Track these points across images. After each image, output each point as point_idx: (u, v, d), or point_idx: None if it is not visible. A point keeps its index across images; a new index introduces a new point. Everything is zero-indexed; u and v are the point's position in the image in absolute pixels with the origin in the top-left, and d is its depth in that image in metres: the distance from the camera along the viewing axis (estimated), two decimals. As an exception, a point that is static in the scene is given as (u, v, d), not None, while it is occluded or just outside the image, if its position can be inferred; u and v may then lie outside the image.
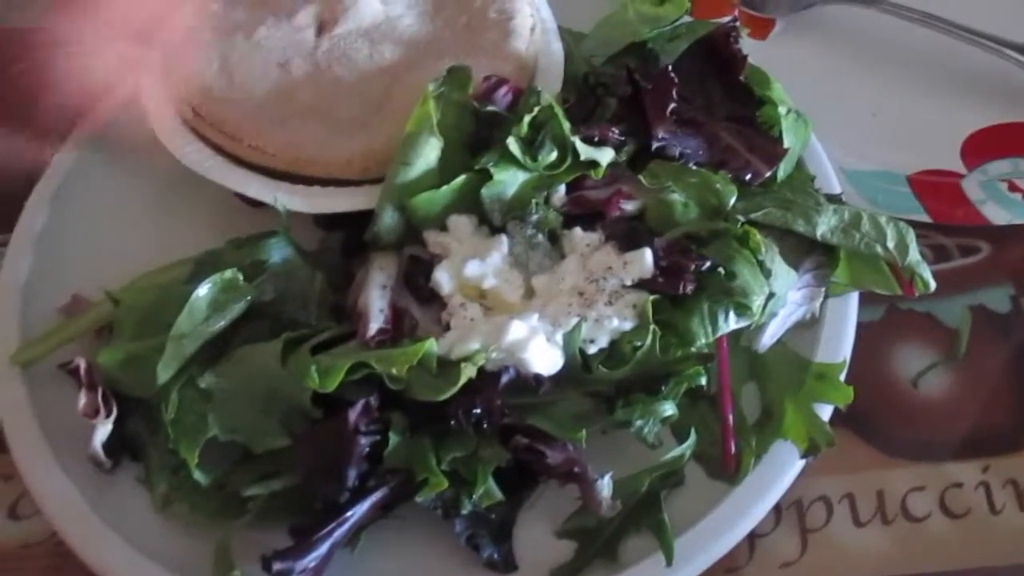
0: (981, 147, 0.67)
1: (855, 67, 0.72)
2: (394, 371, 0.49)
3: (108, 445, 0.53)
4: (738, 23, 0.62)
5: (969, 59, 0.70)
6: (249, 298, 0.54)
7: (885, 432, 0.56)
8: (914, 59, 0.71)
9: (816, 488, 0.55)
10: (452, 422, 0.50)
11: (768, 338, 0.56)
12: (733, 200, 0.56)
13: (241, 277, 0.55)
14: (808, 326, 0.57)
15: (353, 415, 0.49)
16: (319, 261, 0.60)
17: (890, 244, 0.55)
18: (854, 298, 0.58)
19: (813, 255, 0.57)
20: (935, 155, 0.67)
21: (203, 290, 0.53)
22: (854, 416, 0.55)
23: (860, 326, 0.57)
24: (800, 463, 0.53)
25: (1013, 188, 0.64)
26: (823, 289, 0.58)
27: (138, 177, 0.67)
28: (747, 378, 0.56)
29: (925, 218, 0.63)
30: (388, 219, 0.57)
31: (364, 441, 0.49)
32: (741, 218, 0.55)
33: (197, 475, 0.50)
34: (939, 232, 0.64)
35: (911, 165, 0.67)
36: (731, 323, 0.52)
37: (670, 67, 0.59)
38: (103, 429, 0.52)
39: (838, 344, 0.56)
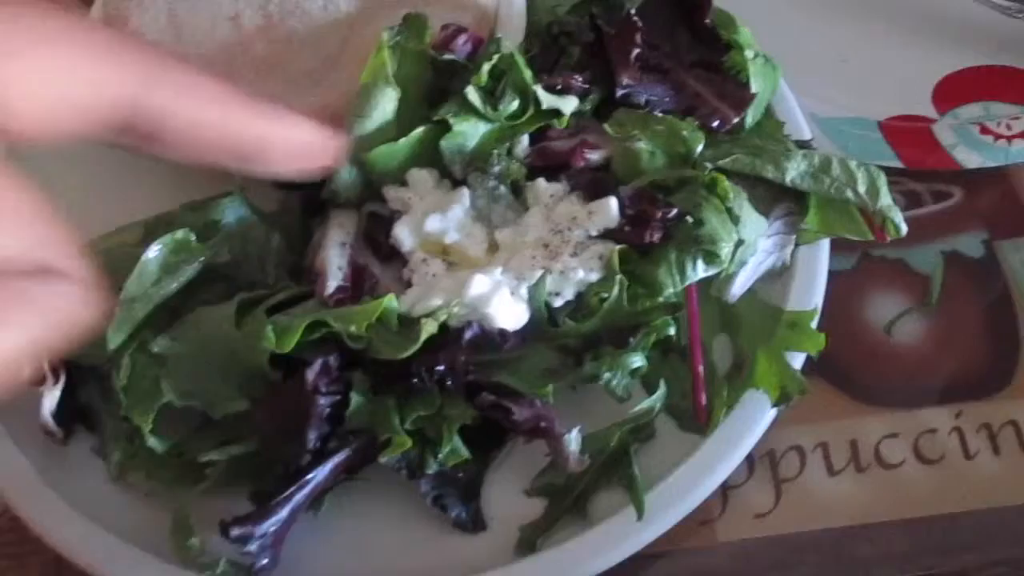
0: (952, 91, 0.66)
1: (824, 10, 0.71)
2: (353, 329, 0.48)
3: (59, 414, 0.51)
4: (703, -34, 0.60)
5: (940, 1, 0.68)
6: (202, 259, 0.52)
7: (858, 380, 0.56)
8: (884, 2, 0.70)
9: (788, 438, 0.54)
10: (415, 380, 0.49)
11: (738, 288, 0.55)
12: (700, 148, 0.55)
13: (194, 238, 0.53)
14: (779, 275, 0.56)
15: (311, 375, 0.47)
16: (277, 222, 0.58)
17: (861, 189, 0.54)
18: (825, 245, 0.56)
19: (783, 202, 0.56)
20: (906, 100, 0.66)
21: (153, 251, 0.51)
22: (827, 365, 0.55)
23: (832, 275, 0.56)
24: (772, 413, 0.52)
25: (984, 131, 0.63)
26: (793, 237, 0.56)
27: (86, 142, 0.64)
28: (718, 329, 0.55)
29: (897, 164, 0.62)
30: (345, 175, 0.55)
31: (324, 401, 0.47)
32: (709, 165, 0.54)
33: (152, 442, 0.49)
34: (911, 178, 0.63)
35: (882, 111, 0.65)
36: (699, 271, 0.50)
37: (634, 12, 0.58)
38: (52, 397, 0.50)
39: (809, 292, 0.55)
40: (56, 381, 0.49)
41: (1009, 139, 0.62)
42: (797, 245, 0.56)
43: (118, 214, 0.58)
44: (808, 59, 0.65)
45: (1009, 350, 0.57)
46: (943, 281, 0.59)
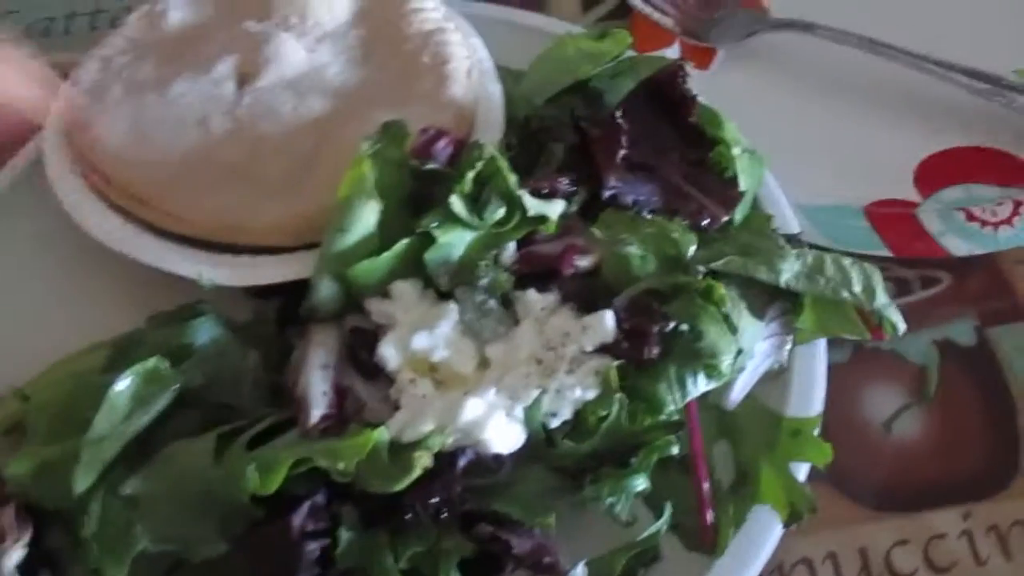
0: (934, 173, 0.66)
1: (801, 97, 0.70)
2: (341, 466, 0.45)
3: (24, 566, 0.47)
4: (684, 60, 0.59)
5: (915, 84, 0.68)
6: (176, 388, 0.49)
7: (861, 482, 0.54)
8: (860, 86, 0.70)
9: (797, 550, 0.52)
10: (408, 514, 0.46)
11: (737, 394, 0.53)
12: (693, 249, 0.53)
13: (166, 364, 0.49)
14: (776, 376, 0.55)
15: (298, 520, 0.44)
16: (252, 335, 0.55)
17: (856, 288, 0.53)
18: (822, 345, 0.55)
19: (777, 302, 0.55)
20: (888, 184, 0.66)
21: (122, 384, 0.48)
22: (829, 467, 0.53)
23: (828, 369, 0.55)
24: (779, 529, 0.50)
25: (971, 218, 0.62)
26: (790, 337, 0.55)
27: (44, 250, 0.61)
28: (717, 436, 0.53)
29: (885, 252, 0.61)
30: (325, 290, 0.52)
31: (312, 546, 0.44)
32: (702, 268, 0.52)
33: (127, 598, 0.45)
34: (899, 264, 0.62)
35: (865, 196, 0.65)
36: (700, 386, 0.48)
37: (618, 112, 0.56)
38: (17, 553, 0.46)
39: (809, 395, 0.53)
40: (19, 537, 0.46)
41: (996, 225, 0.62)
42: (793, 345, 0.55)
43: (80, 328, 0.55)
44: (786, 145, 0.64)
45: (1010, 444, 0.56)
46: (939, 372, 0.58)
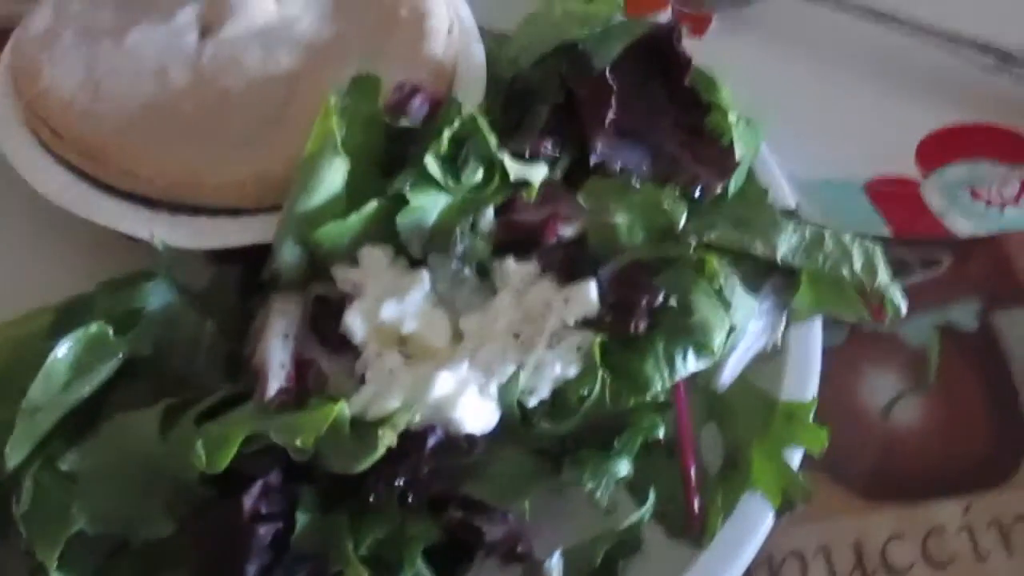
0: (936, 150, 0.63)
1: (800, 67, 0.67)
2: (298, 442, 0.41)
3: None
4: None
5: (919, 57, 0.65)
6: (121, 356, 0.46)
7: (858, 472, 0.51)
8: (862, 58, 0.67)
9: (787, 542, 0.49)
10: (371, 497, 0.42)
11: (728, 375, 0.50)
12: (684, 220, 0.50)
13: (111, 330, 0.46)
14: (770, 357, 0.51)
15: (249, 501, 0.40)
16: (209, 303, 0.51)
17: (856, 266, 0.49)
18: (817, 324, 0.52)
19: (772, 279, 0.51)
20: (889, 160, 0.62)
21: (62, 350, 0.44)
22: (824, 455, 0.50)
23: (822, 352, 0.51)
24: (770, 518, 0.46)
25: (976, 196, 0.59)
26: (784, 316, 0.52)
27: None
28: (705, 420, 0.49)
29: (885, 232, 0.58)
30: (288, 255, 0.49)
31: (264, 529, 0.41)
32: (693, 241, 0.49)
33: (60, 580, 0.41)
34: (899, 244, 0.59)
35: (865, 172, 0.62)
36: (690, 365, 0.45)
37: (607, 72, 0.53)
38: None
39: (805, 377, 0.50)
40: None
41: (1002, 205, 0.59)
42: (788, 325, 0.52)
43: (27, 292, 0.51)
44: (784, 117, 0.60)
45: (1013, 432, 0.53)
46: (939, 358, 0.55)
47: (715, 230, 0.50)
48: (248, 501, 0.40)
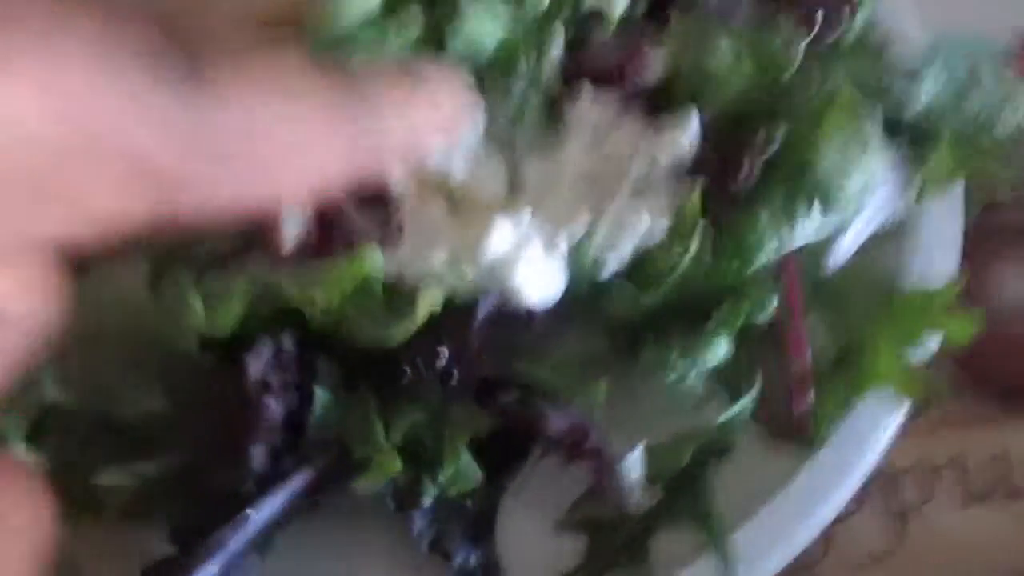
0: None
1: None
2: (320, 301, 0.33)
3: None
4: None
5: None
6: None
7: (1000, 376, 0.42)
8: None
9: (912, 453, 0.40)
10: (407, 374, 0.34)
11: (843, 252, 0.41)
12: (797, 64, 0.40)
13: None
14: (892, 236, 0.42)
15: (256, 366, 0.32)
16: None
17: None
18: (957, 195, 0.42)
19: (900, 136, 0.42)
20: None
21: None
22: (959, 356, 0.41)
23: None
24: (895, 422, 0.38)
25: None
26: (914, 182, 0.42)
27: None
28: (813, 306, 0.40)
29: None
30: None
31: (274, 404, 0.33)
32: (811, 87, 0.39)
33: (25, 456, 0.34)
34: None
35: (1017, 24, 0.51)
36: (813, 223, 0.36)
37: None
38: None
39: (940, 258, 0.41)
40: None
41: None
42: (921, 195, 0.42)
43: None
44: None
45: None
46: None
47: (836, 77, 0.40)
48: (255, 367, 0.32)
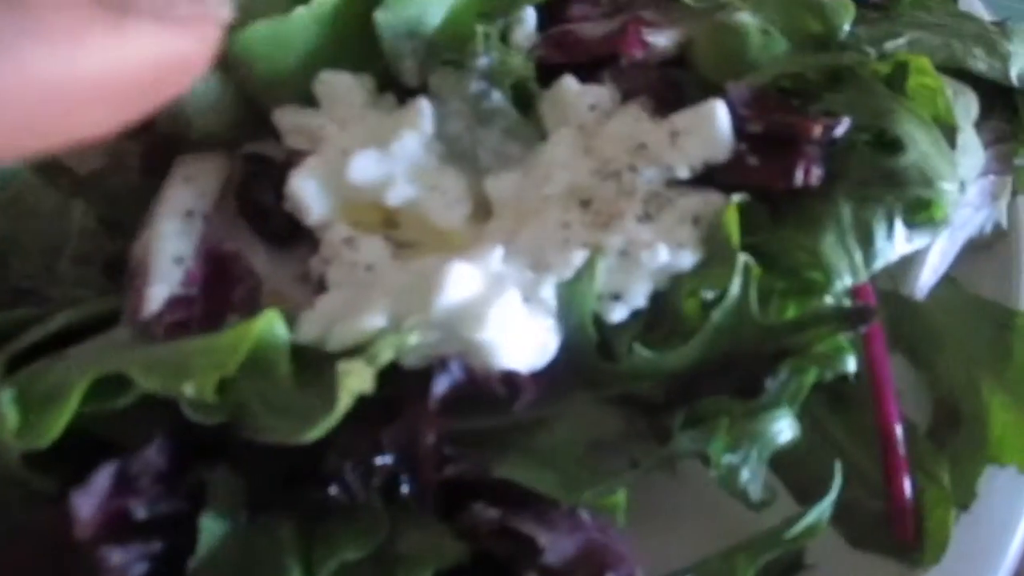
0: None
1: None
2: (190, 389, 0.22)
3: None
4: None
5: None
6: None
7: None
8: None
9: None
10: (331, 487, 0.23)
11: (930, 273, 0.30)
12: (848, 23, 0.30)
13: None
14: (988, 246, 0.32)
15: (88, 504, 0.21)
16: (90, 185, 0.32)
17: None
18: (1069, 191, 0.32)
19: (990, 119, 0.32)
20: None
21: None
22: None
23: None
24: (1028, 514, 0.27)
25: None
26: (1009, 180, 0.32)
27: None
28: (892, 345, 0.30)
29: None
30: (204, 91, 0.30)
31: (119, 555, 0.21)
32: (871, 51, 0.29)
33: None
34: None
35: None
36: (899, 241, 0.25)
37: None
38: None
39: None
40: None
41: None
42: (1015, 194, 0.32)
43: None
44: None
45: None
46: None
47: (901, 38, 0.30)
48: (83, 504, 0.21)
